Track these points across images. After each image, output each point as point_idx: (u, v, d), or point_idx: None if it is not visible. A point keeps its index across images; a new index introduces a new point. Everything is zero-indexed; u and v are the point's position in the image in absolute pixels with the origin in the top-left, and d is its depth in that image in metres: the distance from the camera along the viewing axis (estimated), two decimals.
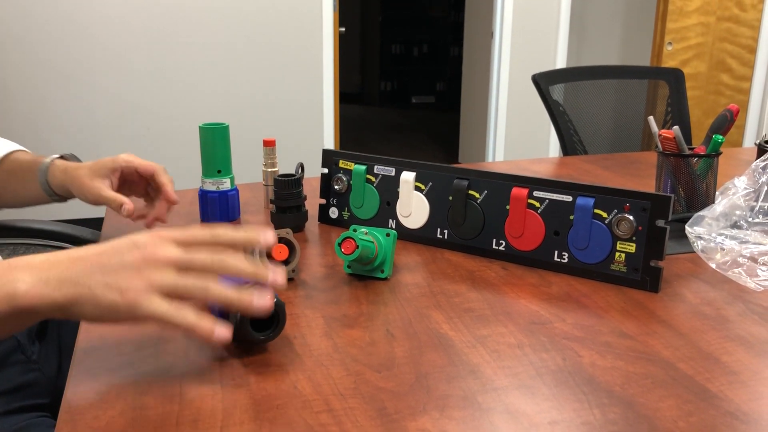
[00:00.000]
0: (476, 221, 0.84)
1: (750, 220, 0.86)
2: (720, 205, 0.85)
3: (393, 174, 0.90)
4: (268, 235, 0.57)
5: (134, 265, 0.52)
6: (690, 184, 0.94)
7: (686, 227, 0.83)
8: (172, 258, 0.53)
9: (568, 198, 0.77)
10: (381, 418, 0.51)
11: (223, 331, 0.53)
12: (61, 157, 0.92)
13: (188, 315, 0.52)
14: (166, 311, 0.52)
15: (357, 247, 0.72)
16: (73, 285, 0.51)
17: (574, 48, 4.66)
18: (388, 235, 0.77)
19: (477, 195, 0.84)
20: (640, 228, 0.73)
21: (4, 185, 0.94)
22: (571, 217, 0.77)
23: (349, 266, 0.78)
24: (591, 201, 0.76)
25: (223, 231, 0.56)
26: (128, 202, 0.84)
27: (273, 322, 0.60)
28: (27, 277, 0.51)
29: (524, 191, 0.80)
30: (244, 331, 0.58)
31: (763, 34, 3.98)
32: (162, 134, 3.36)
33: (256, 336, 0.59)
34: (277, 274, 0.55)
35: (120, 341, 0.63)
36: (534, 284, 0.76)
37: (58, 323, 0.93)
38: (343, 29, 3.78)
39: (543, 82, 1.70)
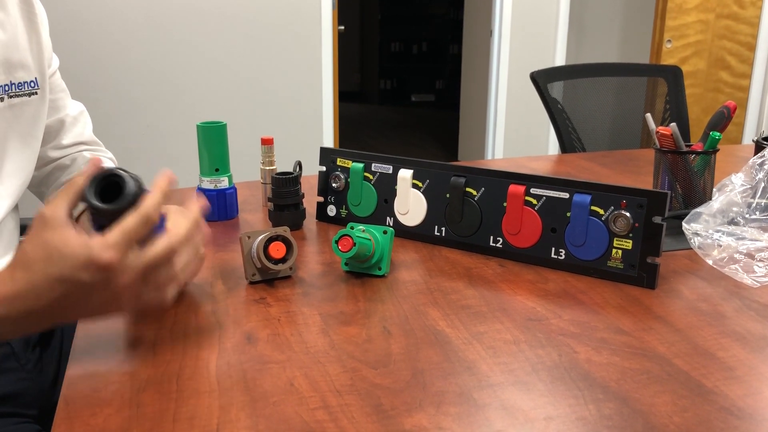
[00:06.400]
0: (473, 218, 0.84)
1: (747, 216, 0.86)
2: (717, 201, 0.85)
3: (390, 171, 0.90)
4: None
5: (110, 300, 0.55)
6: (687, 180, 0.94)
7: (683, 224, 0.83)
8: (135, 276, 0.55)
9: (565, 195, 0.77)
10: (377, 414, 0.51)
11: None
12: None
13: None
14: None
15: (354, 244, 0.72)
16: (53, 320, 0.56)
17: (573, 46, 4.66)
18: (385, 232, 0.77)
19: (474, 192, 0.84)
20: (636, 225, 0.73)
21: (58, 177, 0.94)
22: (568, 214, 0.77)
23: (346, 264, 0.78)
24: (588, 198, 0.76)
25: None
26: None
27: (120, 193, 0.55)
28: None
29: (521, 188, 0.80)
30: (89, 203, 0.54)
31: (763, 31, 3.98)
32: (160, 132, 3.36)
33: (98, 205, 0.54)
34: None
35: (117, 339, 0.63)
36: (531, 281, 0.76)
37: (61, 330, 0.92)
38: (342, 27, 3.78)
39: (541, 79, 1.71)
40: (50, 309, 0.54)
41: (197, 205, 0.63)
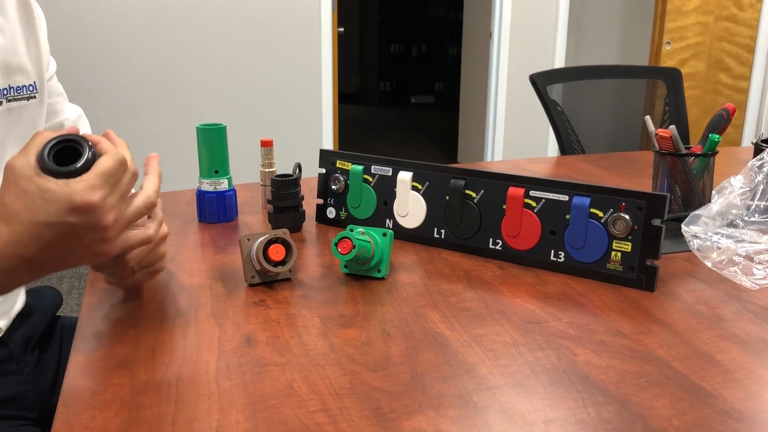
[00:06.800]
0: (473, 221, 0.84)
1: (746, 218, 0.87)
2: (716, 204, 0.85)
3: (390, 174, 0.90)
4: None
5: (98, 240, 0.56)
6: (687, 183, 0.94)
7: (682, 226, 0.83)
8: (117, 214, 0.57)
9: (565, 197, 0.77)
10: (376, 417, 0.51)
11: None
12: None
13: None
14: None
15: (354, 246, 0.72)
16: (45, 269, 0.57)
17: (572, 48, 4.67)
18: (384, 234, 0.77)
19: (474, 195, 0.84)
20: (636, 227, 0.74)
21: None
22: (568, 217, 0.77)
23: (346, 266, 0.78)
24: (587, 200, 0.76)
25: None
26: None
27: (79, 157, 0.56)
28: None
29: (521, 191, 0.80)
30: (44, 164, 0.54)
31: (762, 33, 3.98)
32: (160, 134, 3.36)
33: (52, 167, 0.54)
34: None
35: (116, 341, 0.63)
36: (530, 283, 0.76)
37: (60, 333, 0.92)
38: (341, 29, 3.79)
39: (541, 81, 1.71)
40: (41, 256, 0.55)
41: (153, 162, 0.66)
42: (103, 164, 0.55)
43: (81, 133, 0.58)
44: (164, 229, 0.73)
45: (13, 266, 0.54)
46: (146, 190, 0.62)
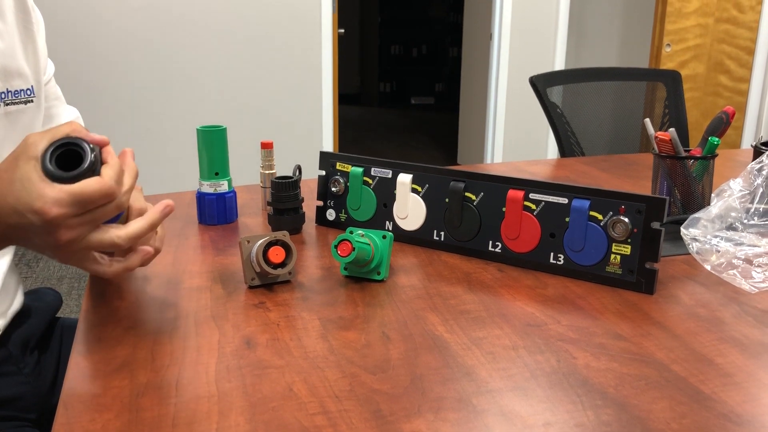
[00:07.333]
0: (472, 223, 0.84)
1: (745, 222, 0.87)
2: (715, 207, 0.85)
3: (390, 176, 0.90)
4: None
5: (49, 245, 0.58)
6: (686, 186, 0.94)
7: (681, 229, 0.83)
8: (76, 237, 0.57)
9: (564, 200, 0.77)
10: (376, 420, 0.51)
11: None
12: None
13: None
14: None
15: (353, 249, 0.72)
16: (9, 241, 0.60)
17: (572, 50, 4.67)
18: (384, 237, 0.77)
19: (473, 197, 0.84)
20: (635, 230, 0.74)
21: None
22: (567, 219, 0.77)
23: (345, 268, 0.78)
24: (586, 203, 0.76)
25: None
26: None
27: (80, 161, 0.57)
28: None
29: (520, 193, 0.80)
30: (46, 169, 0.56)
31: (762, 35, 3.99)
32: (160, 136, 3.36)
33: (52, 170, 0.56)
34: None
35: (116, 343, 0.63)
36: (530, 286, 0.76)
37: (60, 334, 0.92)
38: (342, 31, 3.79)
39: (541, 84, 1.71)
40: (5, 230, 0.58)
41: (158, 212, 0.66)
42: (85, 186, 0.56)
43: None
44: (157, 244, 0.71)
45: None
46: (126, 228, 0.61)
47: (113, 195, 0.58)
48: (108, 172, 0.58)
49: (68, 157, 0.57)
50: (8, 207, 0.56)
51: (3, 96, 0.77)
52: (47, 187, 0.55)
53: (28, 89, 0.81)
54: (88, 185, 0.56)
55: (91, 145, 0.58)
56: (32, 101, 0.82)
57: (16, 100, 0.79)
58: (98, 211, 0.58)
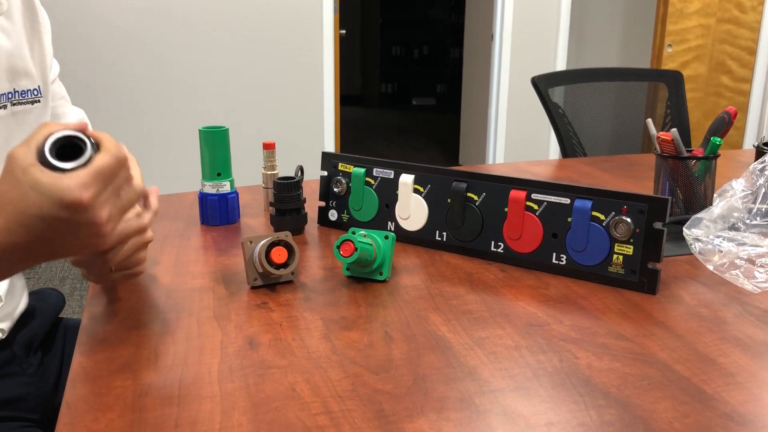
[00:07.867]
0: (475, 223, 0.84)
1: (748, 222, 0.87)
2: (718, 207, 0.85)
3: (392, 176, 0.90)
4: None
5: (93, 234, 0.55)
6: (688, 186, 0.94)
7: (684, 229, 0.83)
8: (106, 218, 0.55)
9: (566, 200, 0.77)
10: (378, 420, 0.51)
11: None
12: None
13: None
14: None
15: (356, 249, 0.72)
16: (39, 257, 0.57)
17: (573, 50, 4.67)
18: (386, 237, 0.77)
19: (475, 197, 0.84)
20: (637, 230, 0.74)
21: None
22: (569, 220, 0.77)
23: (348, 269, 0.78)
24: (589, 203, 0.76)
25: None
26: None
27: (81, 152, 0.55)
28: None
29: (522, 194, 0.80)
30: (42, 159, 0.54)
31: (763, 36, 3.98)
32: (162, 137, 3.37)
33: (52, 162, 0.54)
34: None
35: (119, 343, 0.63)
36: (532, 286, 0.76)
37: (63, 335, 0.92)
38: (343, 32, 3.79)
39: (542, 84, 1.71)
40: (33, 246, 0.54)
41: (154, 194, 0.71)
42: (99, 161, 0.54)
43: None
44: (149, 234, 0.71)
45: (5, 254, 0.54)
46: (134, 178, 0.61)
47: (125, 159, 0.56)
48: (107, 145, 0.56)
49: (65, 154, 0.56)
50: (31, 218, 0.52)
51: (10, 96, 0.77)
52: (64, 179, 0.52)
53: (35, 89, 0.81)
54: (99, 159, 0.54)
55: (82, 132, 0.57)
56: (39, 101, 0.82)
57: (23, 101, 0.79)
58: (118, 180, 0.56)
